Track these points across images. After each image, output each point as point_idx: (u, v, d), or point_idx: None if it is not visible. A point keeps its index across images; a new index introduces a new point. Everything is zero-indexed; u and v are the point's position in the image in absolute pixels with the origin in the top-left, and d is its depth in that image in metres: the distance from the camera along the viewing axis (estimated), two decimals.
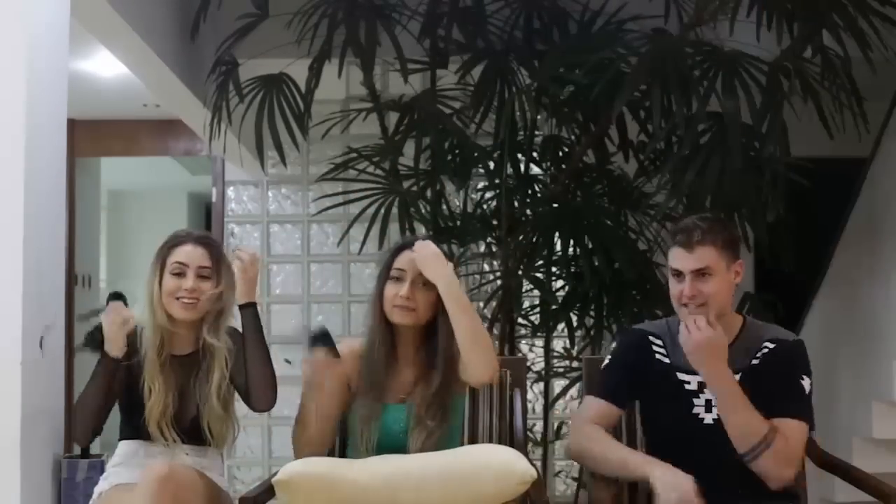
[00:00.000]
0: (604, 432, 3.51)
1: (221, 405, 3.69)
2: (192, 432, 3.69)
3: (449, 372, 3.57)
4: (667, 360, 3.56)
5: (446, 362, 3.57)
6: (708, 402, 3.47)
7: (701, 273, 3.41)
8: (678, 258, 3.45)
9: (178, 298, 3.70)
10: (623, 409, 3.63)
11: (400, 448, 3.50)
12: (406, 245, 3.70)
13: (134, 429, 3.69)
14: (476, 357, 3.48)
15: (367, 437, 3.54)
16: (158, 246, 3.81)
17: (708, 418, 3.47)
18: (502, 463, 3.37)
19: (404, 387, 3.64)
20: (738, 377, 3.41)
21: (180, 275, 3.72)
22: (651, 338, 3.61)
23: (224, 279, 3.76)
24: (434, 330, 3.63)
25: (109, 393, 3.66)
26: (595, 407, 3.60)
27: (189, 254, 3.74)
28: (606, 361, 3.67)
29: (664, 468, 3.28)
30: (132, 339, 3.71)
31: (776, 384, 3.43)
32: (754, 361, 3.48)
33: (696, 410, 3.49)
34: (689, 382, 3.51)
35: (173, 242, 3.80)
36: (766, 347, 3.49)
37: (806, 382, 3.43)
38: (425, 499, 3.30)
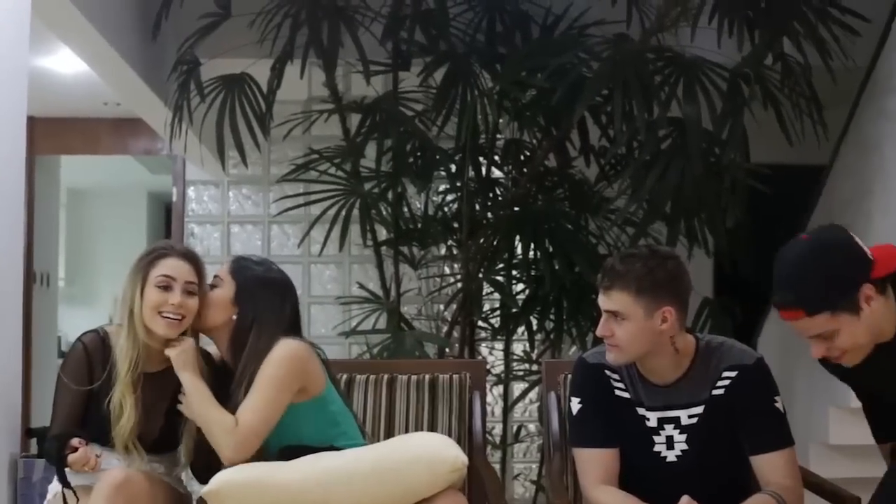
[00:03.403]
0: (615, 496, 3.32)
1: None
2: (155, 446, 3.58)
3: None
4: (627, 395, 3.40)
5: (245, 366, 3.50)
6: (669, 438, 3.35)
7: (614, 314, 3.27)
8: (599, 296, 3.32)
9: (162, 314, 3.51)
10: (617, 447, 3.40)
11: None
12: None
13: (92, 433, 3.52)
14: (214, 447, 3.42)
15: None
16: (138, 257, 3.61)
17: (670, 456, 3.36)
18: (433, 452, 3.34)
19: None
20: (699, 409, 3.32)
21: (166, 288, 3.51)
22: (607, 371, 3.42)
23: (204, 296, 3.61)
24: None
25: (78, 419, 3.53)
26: (592, 460, 3.39)
27: (176, 267, 3.54)
28: (578, 406, 3.45)
29: None
30: (98, 355, 3.56)
31: (752, 418, 3.30)
32: (716, 392, 3.32)
33: (657, 448, 3.37)
34: (648, 419, 3.38)
35: (156, 255, 3.58)
36: (727, 377, 3.33)
37: (779, 404, 3.34)
38: (358, 495, 3.28)
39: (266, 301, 3.59)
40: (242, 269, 3.66)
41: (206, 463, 3.51)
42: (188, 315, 3.54)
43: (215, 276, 3.63)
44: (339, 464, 3.34)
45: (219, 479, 3.28)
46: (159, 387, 3.55)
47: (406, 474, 3.30)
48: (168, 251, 3.60)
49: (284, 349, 3.47)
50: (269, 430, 3.42)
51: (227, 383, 3.52)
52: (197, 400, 3.45)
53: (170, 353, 3.49)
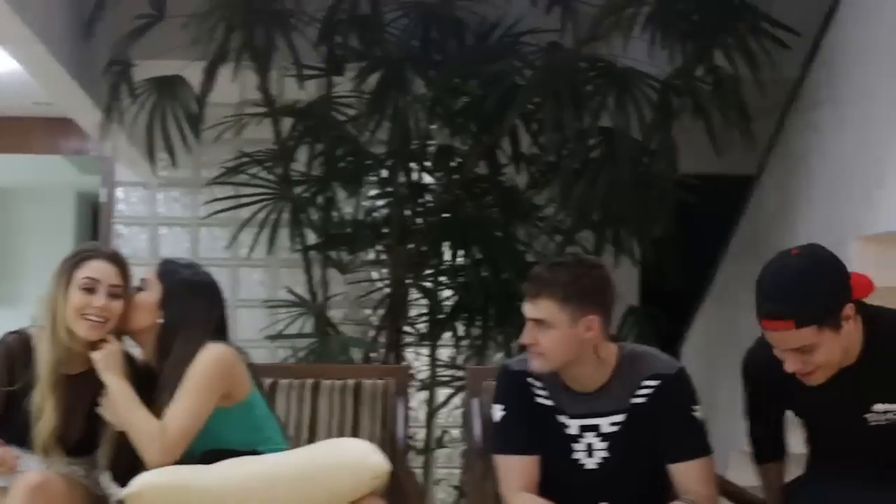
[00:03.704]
0: (536, 503, 3.33)
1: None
2: (75, 449, 3.55)
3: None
4: (549, 403, 3.40)
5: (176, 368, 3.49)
6: (589, 446, 3.36)
7: (539, 322, 3.28)
8: (525, 304, 3.32)
9: (85, 316, 3.48)
10: (537, 454, 3.39)
11: None
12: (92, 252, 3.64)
13: (9, 434, 3.51)
14: (139, 451, 3.39)
15: None
16: (63, 258, 3.58)
17: (589, 463, 3.37)
18: (355, 458, 3.36)
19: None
20: (621, 417, 3.33)
21: (90, 290, 3.48)
22: (530, 379, 3.42)
23: (128, 299, 3.57)
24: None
25: None
26: (513, 467, 3.40)
27: (100, 270, 3.51)
28: (500, 413, 3.45)
29: None
30: (20, 356, 3.53)
31: (671, 427, 3.32)
32: (636, 400, 3.34)
33: (576, 455, 3.37)
34: (568, 426, 3.38)
35: (82, 256, 3.56)
36: (647, 386, 3.34)
37: (698, 413, 3.36)
38: (280, 500, 3.28)
39: (193, 305, 3.58)
40: (170, 272, 3.64)
41: (126, 466, 3.48)
42: (112, 318, 3.51)
43: (142, 279, 3.61)
44: (260, 468, 3.33)
45: (140, 481, 3.26)
46: (80, 389, 3.52)
47: (328, 480, 3.30)
48: (93, 253, 3.58)
49: (211, 354, 3.46)
50: (194, 434, 3.40)
51: (150, 387, 3.51)
52: (122, 403, 3.42)
53: (95, 356, 3.47)
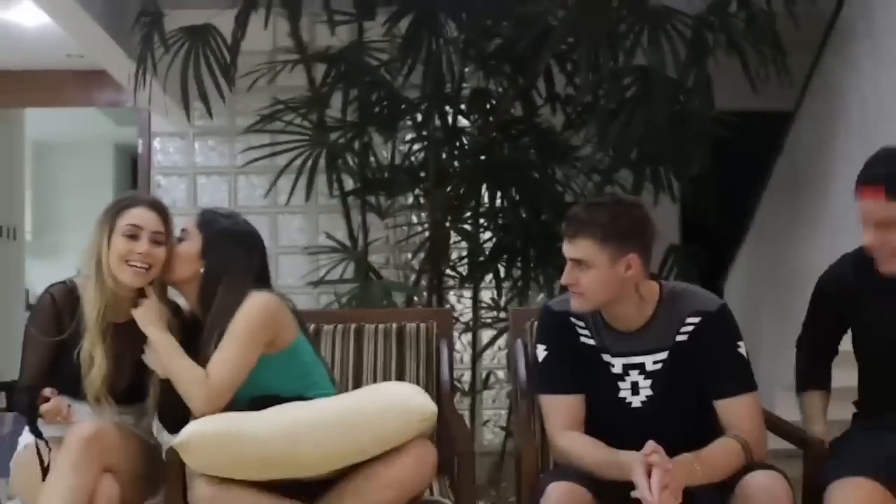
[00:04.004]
0: (581, 441, 3.33)
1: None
2: (124, 397, 3.59)
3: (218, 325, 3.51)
4: (591, 342, 3.42)
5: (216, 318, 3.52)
6: (634, 384, 3.38)
7: (579, 263, 3.29)
8: (564, 244, 3.34)
9: (129, 263, 3.51)
10: (583, 393, 3.40)
11: None
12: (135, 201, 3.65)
13: (61, 384, 3.52)
14: (184, 399, 3.43)
15: None
16: (104, 207, 3.62)
17: (635, 401, 3.38)
18: (402, 402, 3.37)
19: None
20: (664, 354, 3.35)
21: (133, 237, 3.51)
22: (573, 319, 3.44)
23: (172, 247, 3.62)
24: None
25: (47, 371, 3.54)
26: (558, 407, 3.41)
27: (142, 217, 3.55)
28: (543, 353, 3.47)
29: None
30: (66, 306, 3.57)
31: (715, 363, 3.32)
32: (679, 337, 3.35)
33: (622, 394, 3.39)
34: (613, 365, 3.39)
35: (124, 204, 3.59)
36: (690, 323, 3.35)
37: (742, 349, 3.35)
38: (327, 446, 3.29)
39: (233, 254, 3.60)
40: (209, 221, 3.66)
41: (175, 414, 3.52)
42: (155, 264, 3.55)
43: (182, 230, 3.63)
44: (308, 414, 3.35)
45: (188, 431, 3.29)
46: (128, 338, 3.55)
47: (375, 423, 3.32)
48: (135, 201, 3.61)
49: (255, 302, 3.48)
50: (240, 382, 3.43)
51: (196, 336, 3.53)
52: (165, 354, 3.46)
53: (135, 313, 3.50)
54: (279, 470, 3.32)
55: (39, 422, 3.39)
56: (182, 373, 3.42)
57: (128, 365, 3.56)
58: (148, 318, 3.50)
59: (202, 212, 3.73)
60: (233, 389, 3.42)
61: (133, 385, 3.58)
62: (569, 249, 3.31)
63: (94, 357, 3.49)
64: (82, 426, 3.34)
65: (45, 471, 3.33)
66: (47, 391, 3.40)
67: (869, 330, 3.44)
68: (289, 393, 3.48)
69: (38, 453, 3.36)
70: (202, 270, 3.58)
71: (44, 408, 3.37)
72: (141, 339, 3.54)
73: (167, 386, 3.51)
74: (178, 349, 3.46)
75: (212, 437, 3.29)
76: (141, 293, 3.55)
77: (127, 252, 3.51)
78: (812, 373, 3.60)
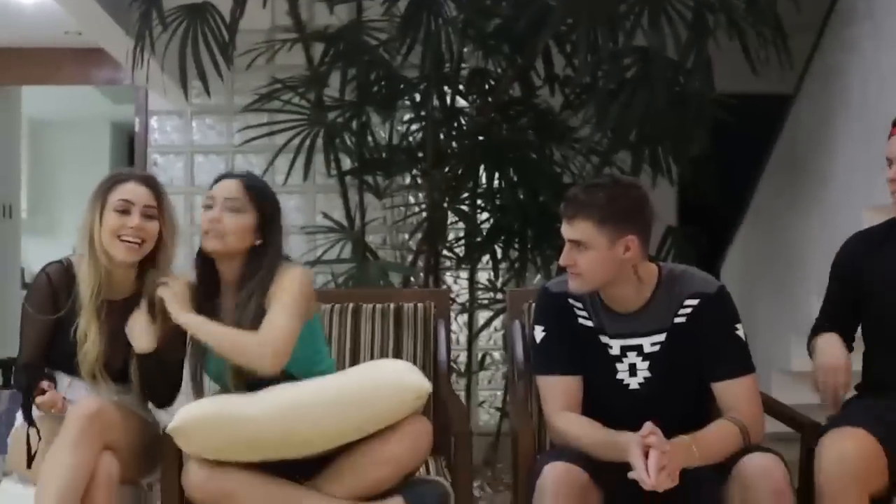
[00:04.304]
0: (579, 422, 3.32)
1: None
2: (122, 375, 3.57)
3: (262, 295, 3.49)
4: (590, 324, 3.40)
5: (262, 285, 3.49)
6: (632, 366, 3.37)
7: (577, 244, 3.27)
8: (562, 225, 3.32)
9: (120, 238, 3.50)
10: (581, 374, 3.39)
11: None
12: (226, 175, 3.65)
13: (59, 361, 3.55)
14: (247, 363, 3.40)
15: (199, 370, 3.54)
16: (96, 185, 3.59)
17: (633, 383, 3.37)
18: (396, 379, 3.36)
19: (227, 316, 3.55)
20: (662, 336, 3.33)
21: (125, 212, 3.50)
22: (571, 300, 3.43)
23: (166, 221, 3.59)
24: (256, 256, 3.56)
25: (45, 348, 3.54)
26: (555, 388, 3.38)
27: (134, 191, 3.53)
28: (541, 334, 3.46)
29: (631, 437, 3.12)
30: (62, 285, 3.55)
31: (713, 345, 3.31)
32: (678, 319, 3.33)
33: (620, 376, 3.37)
34: (611, 346, 3.38)
35: (115, 179, 3.58)
36: (688, 305, 3.33)
37: (740, 331, 3.34)
38: (321, 425, 3.28)
39: (280, 227, 3.62)
40: (261, 193, 3.61)
41: (160, 389, 3.58)
42: (147, 239, 3.53)
43: (232, 199, 3.55)
44: (302, 394, 3.34)
45: (182, 416, 3.28)
46: (123, 315, 3.54)
47: (370, 401, 3.31)
48: (127, 176, 3.60)
49: (296, 274, 3.49)
50: (294, 342, 3.39)
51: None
52: (212, 332, 3.42)
53: (163, 293, 3.47)
54: (274, 450, 3.31)
55: (33, 409, 3.39)
56: (240, 342, 3.38)
57: (123, 342, 3.54)
58: (177, 302, 3.48)
59: (251, 182, 3.62)
60: (291, 347, 3.38)
61: (129, 363, 3.56)
62: (567, 230, 3.30)
63: (88, 334, 3.48)
64: (83, 403, 3.33)
65: (30, 458, 3.35)
66: (44, 384, 3.41)
67: (872, 297, 3.46)
68: (304, 365, 3.46)
69: (28, 441, 3.36)
70: (258, 243, 3.54)
71: (39, 400, 3.38)
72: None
73: (149, 363, 3.51)
74: (217, 325, 3.43)
75: (206, 421, 3.28)
76: (143, 268, 3.54)
77: (118, 227, 3.50)
78: (825, 327, 3.59)
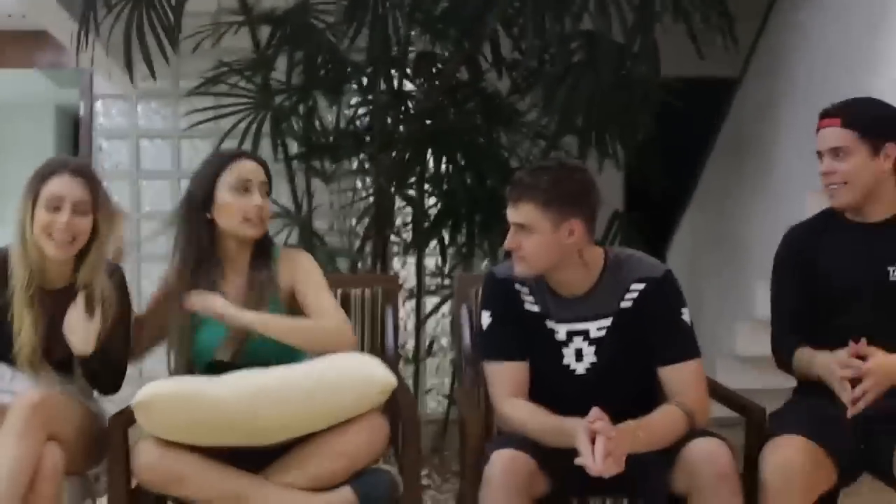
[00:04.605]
0: (526, 408, 3.31)
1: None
2: (65, 364, 3.53)
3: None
4: (536, 308, 3.40)
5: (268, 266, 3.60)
6: (578, 351, 3.37)
7: (521, 227, 3.27)
8: (507, 208, 3.33)
9: (51, 235, 3.41)
10: (526, 360, 3.40)
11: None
12: (242, 154, 3.67)
13: (1, 351, 3.48)
14: (330, 349, 3.44)
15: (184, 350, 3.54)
16: (30, 174, 3.49)
17: (579, 368, 3.37)
18: (362, 373, 3.36)
19: (234, 300, 3.57)
20: (608, 321, 3.34)
21: (56, 209, 3.41)
22: (517, 285, 3.42)
23: (102, 213, 3.49)
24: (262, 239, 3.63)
25: None
26: (502, 374, 3.38)
27: (65, 186, 3.42)
28: (488, 319, 3.45)
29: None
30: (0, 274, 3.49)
31: (659, 330, 3.32)
32: (624, 304, 3.33)
33: (566, 361, 3.37)
34: (557, 332, 3.38)
35: (47, 171, 3.47)
36: (635, 290, 3.33)
37: (686, 315, 3.35)
38: (287, 413, 3.27)
39: None
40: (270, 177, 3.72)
41: (103, 378, 3.56)
42: (79, 235, 3.46)
43: (266, 183, 3.63)
44: (270, 380, 3.32)
45: (148, 390, 3.25)
46: (62, 304, 3.48)
47: (336, 393, 3.30)
48: (59, 168, 3.48)
49: (309, 256, 3.69)
50: None
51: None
52: (286, 327, 3.47)
53: (214, 308, 3.44)
54: (236, 435, 3.30)
55: None
56: (315, 330, 3.47)
57: (63, 333, 3.48)
58: (233, 308, 3.45)
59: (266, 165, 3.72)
60: None
61: (71, 354, 3.52)
62: (512, 214, 3.30)
63: (21, 325, 3.44)
64: (27, 394, 3.29)
65: None
66: None
67: (832, 270, 3.47)
68: (281, 354, 3.47)
69: None
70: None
71: None
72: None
73: (91, 362, 3.47)
74: (283, 319, 3.49)
75: (172, 398, 3.25)
76: (80, 259, 3.50)
77: (49, 224, 3.41)
78: (793, 340, 3.52)
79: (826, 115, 3.43)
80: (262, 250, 3.61)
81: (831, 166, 3.40)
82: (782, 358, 3.54)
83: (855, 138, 3.36)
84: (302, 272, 3.58)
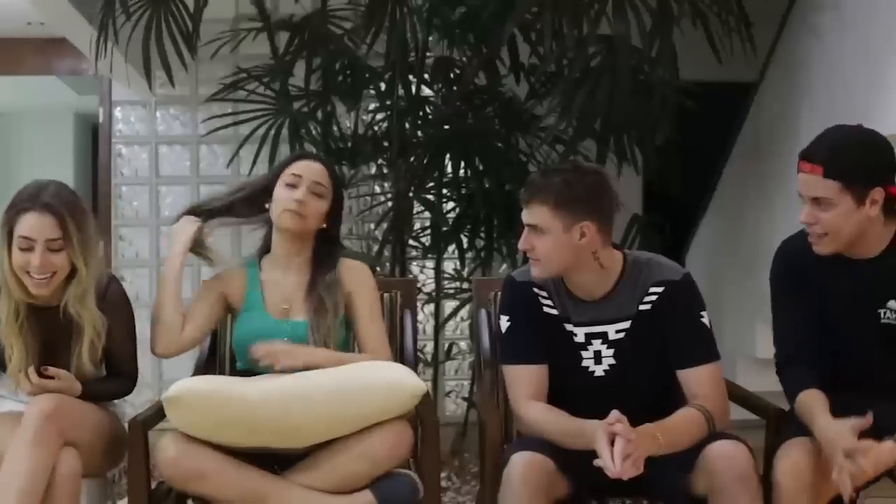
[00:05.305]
0: (545, 410, 3.33)
1: (92, 364, 3.51)
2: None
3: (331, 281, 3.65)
4: (555, 312, 3.42)
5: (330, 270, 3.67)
6: (597, 353, 3.39)
7: (534, 228, 3.30)
8: (522, 209, 3.34)
9: (28, 274, 3.40)
10: (545, 363, 3.41)
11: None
12: (303, 155, 3.80)
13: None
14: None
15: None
16: (4, 209, 3.46)
17: (598, 371, 3.38)
18: (393, 379, 3.39)
19: (288, 296, 3.66)
20: (627, 324, 3.35)
21: (28, 249, 3.37)
22: (535, 289, 3.44)
23: (78, 245, 3.42)
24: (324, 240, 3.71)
25: None
26: (521, 377, 3.40)
27: (34, 226, 3.37)
28: (507, 323, 3.47)
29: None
30: None
31: (678, 333, 3.33)
32: (643, 307, 3.35)
33: (585, 363, 3.39)
34: (576, 335, 3.40)
35: (17, 210, 3.40)
36: (654, 293, 3.35)
37: (705, 318, 3.36)
38: (316, 416, 3.30)
39: (341, 216, 3.83)
40: (339, 181, 3.85)
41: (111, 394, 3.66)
42: (58, 271, 3.44)
43: (320, 184, 3.66)
44: (299, 384, 3.36)
45: (181, 385, 3.29)
46: (53, 322, 3.48)
47: (365, 398, 3.34)
48: (29, 205, 3.41)
49: (370, 273, 3.79)
50: None
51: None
52: (341, 361, 3.51)
53: (274, 360, 3.48)
54: (263, 436, 3.33)
55: None
56: (367, 370, 3.46)
57: (62, 349, 3.50)
58: (296, 353, 3.50)
59: (332, 169, 3.80)
60: None
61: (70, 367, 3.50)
62: (525, 215, 3.32)
63: (11, 352, 3.44)
64: (41, 401, 3.30)
65: None
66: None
67: (825, 305, 3.39)
68: None
69: None
70: (323, 226, 3.71)
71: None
72: (68, 326, 3.49)
73: (91, 390, 3.53)
74: (339, 355, 3.55)
75: (204, 395, 3.30)
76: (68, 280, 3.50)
77: (24, 264, 3.40)
78: (800, 373, 3.34)
79: (807, 159, 3.20)
80: (326, 252, 3.70)
81: (813, 216, 3.22)
82: (785, 392, 3.38)
83: (838, 189, 3.14)
84: (363, 288, 3.70)
